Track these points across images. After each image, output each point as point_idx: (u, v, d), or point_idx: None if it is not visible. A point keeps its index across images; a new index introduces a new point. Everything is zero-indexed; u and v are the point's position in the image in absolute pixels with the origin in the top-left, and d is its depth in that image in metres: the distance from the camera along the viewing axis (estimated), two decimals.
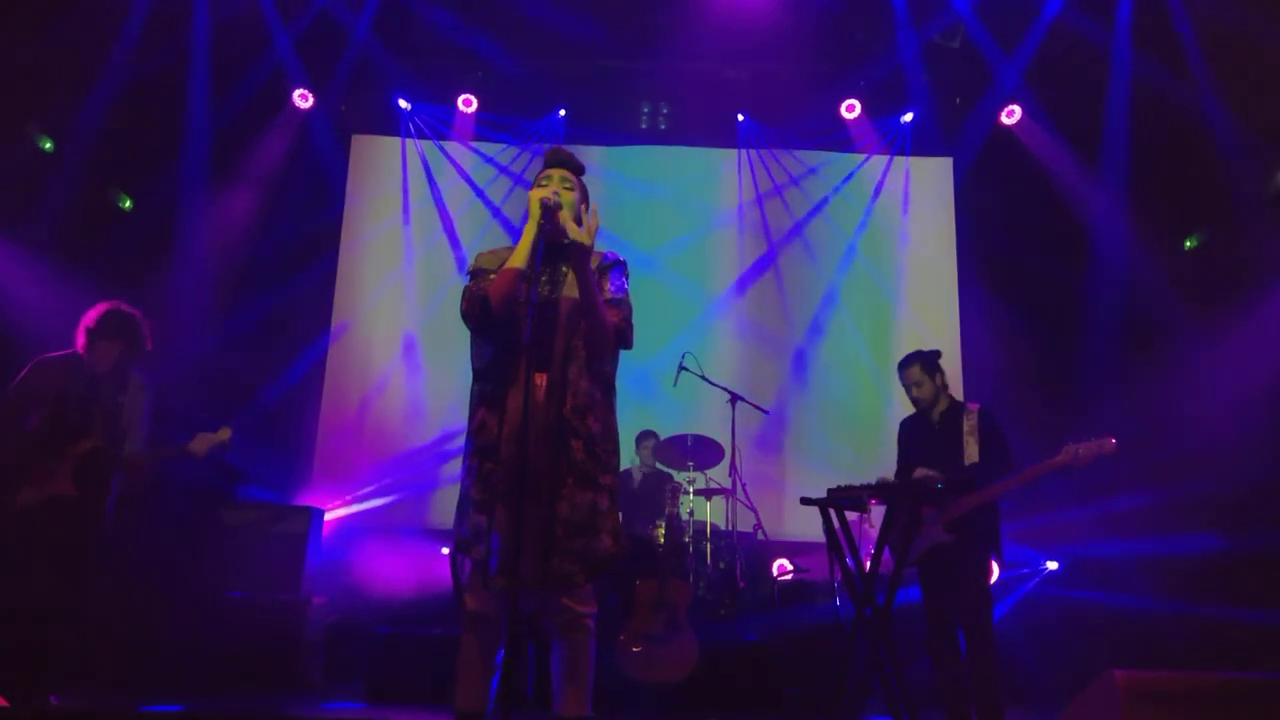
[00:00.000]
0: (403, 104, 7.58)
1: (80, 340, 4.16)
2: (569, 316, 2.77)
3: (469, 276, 2.86)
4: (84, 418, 4.07)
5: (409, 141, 7.74)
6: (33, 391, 4.07)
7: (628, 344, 2.85)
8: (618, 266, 2.95)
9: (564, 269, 2.84)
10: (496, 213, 7.67)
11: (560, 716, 2.68)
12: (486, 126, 7.69)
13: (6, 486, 3.94)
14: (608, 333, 2.77)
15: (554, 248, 2.86)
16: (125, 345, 4.19)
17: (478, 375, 2.82)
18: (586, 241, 2.72)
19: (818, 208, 7.78)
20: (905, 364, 4.46)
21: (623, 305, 2.86)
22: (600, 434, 2.74)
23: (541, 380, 2.71)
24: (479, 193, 7.74)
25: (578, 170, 3.00)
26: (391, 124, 7.69)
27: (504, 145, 7.77)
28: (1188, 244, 6.81)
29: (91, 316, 4.18)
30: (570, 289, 2.80)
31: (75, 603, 4.04)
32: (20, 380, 4.11)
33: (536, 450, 2.64)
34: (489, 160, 7.79)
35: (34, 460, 3.99)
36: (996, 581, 4.30)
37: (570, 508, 2.65)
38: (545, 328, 2.75)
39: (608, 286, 2.87)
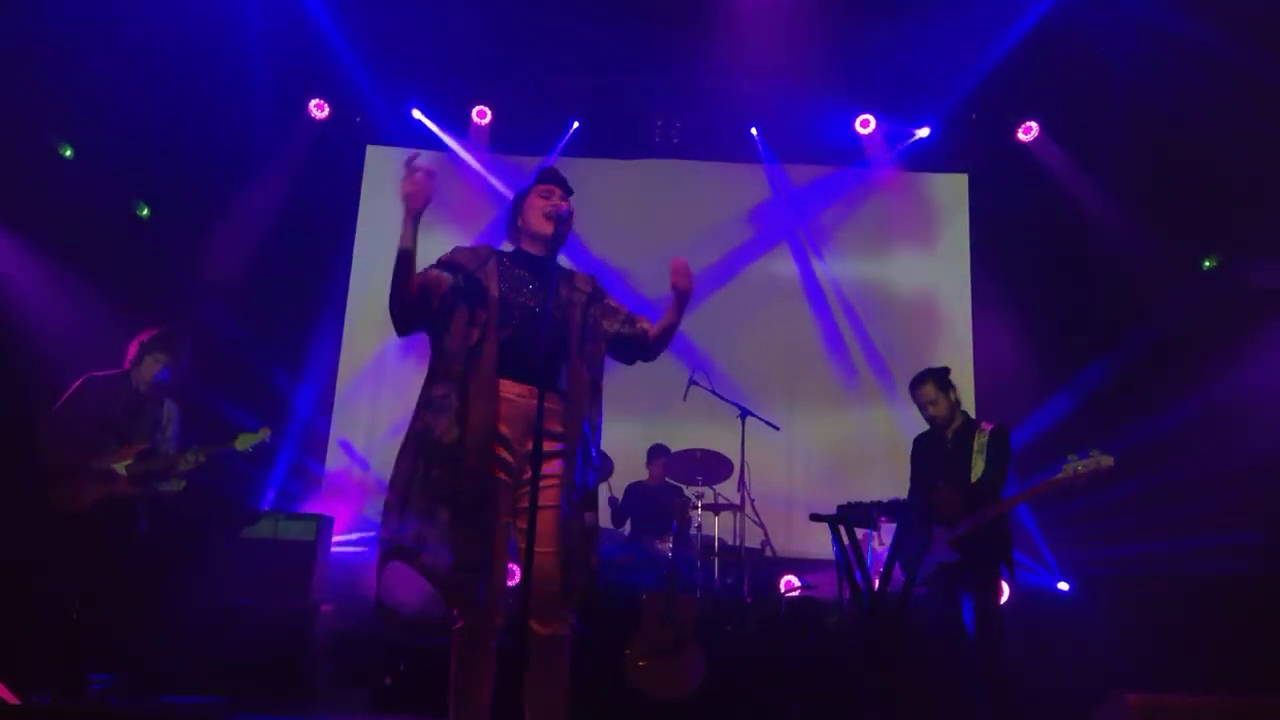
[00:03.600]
0: (417, 115, 7.62)
1: (131, 354, 4.64)
2: (577, 337, 2.82)
3: (438, 263, 2.88)
4: (132, 428, 4.53)
5: (424, 153, 7.75)
6: (86, 403, 4.51)
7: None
8: (599, 282, 3.05)
9: (570, 286, 2.91)
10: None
11: None
12: (500, 138, 7.72)
13: (73, 489, 4.35)
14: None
15: (541, 262, 2.91)
16: (169, 363, 4.67)
17: (439, 374, 2.74)
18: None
19: (831, 223, 7.76)
20: (919, 382, 4.42)
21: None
22: (595, 457, 2.84)
23: (532, 396, 2.67)
24: (493, 203, 7.76)
25: (569, 190, 3.02)
26: (406, 135, 7.71)
27: (518, 156, 7.80)
28: (1206, 264, 6.76)
29: (145, 335, 4.68)
30: (567, 306, 2.86)
31: (114, 596, 4.42)
32: (73, 394, 4.55)
33: (528, 465, 2.57)
34: (502, 171, 7.81)
35: (93, 465, 4.40)
36: (1007, 600, 4.26)
37: (580, 526, 2.73)
38: (546, 342, 2.71)
39: (615, 302, 2.99)
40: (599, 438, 2.87)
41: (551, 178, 3.00)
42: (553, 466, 2.71)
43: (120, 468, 4.42)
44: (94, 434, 4.44)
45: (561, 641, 2.67)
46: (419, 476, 2.62)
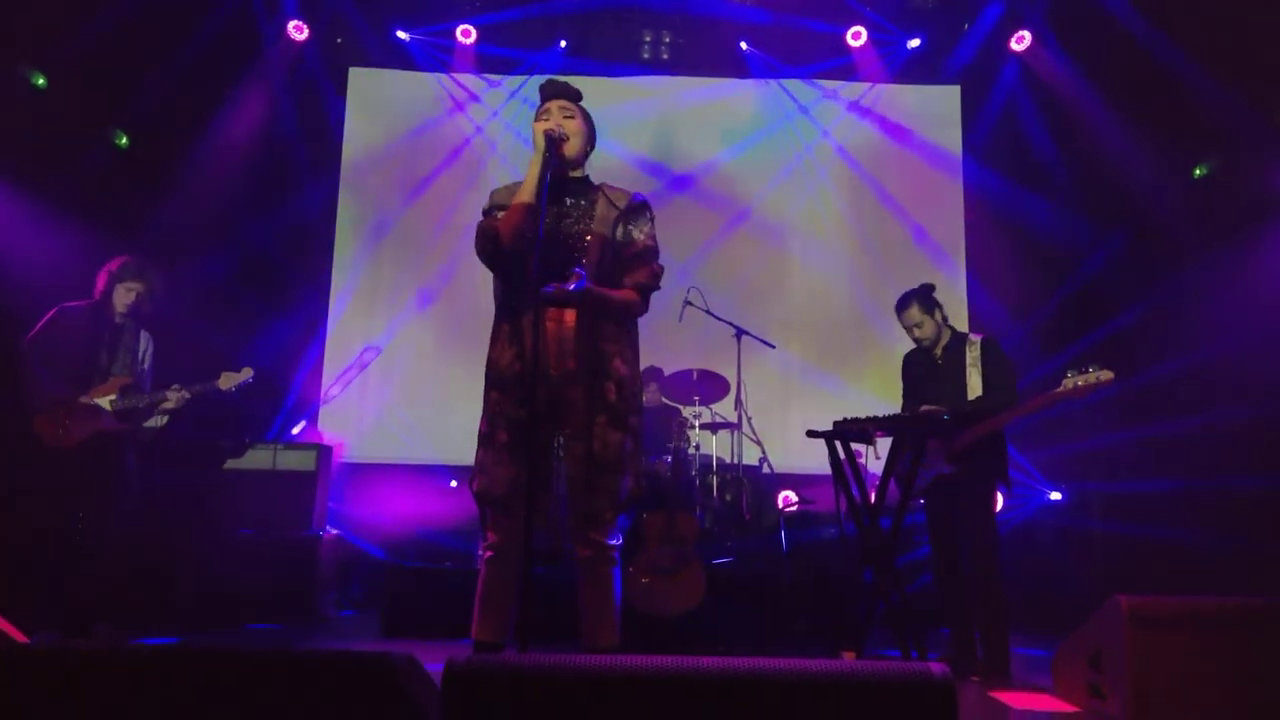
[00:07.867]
0: (401, 35, 7.41)
1: (100, 286, 4.48)
2: (596, 253, 2.77)
3: (484, 214, 2.85)
4: (112, 359, 4.44)
5: (408, 74, 7.59)
6: (61, 336, 4.36)
7: (656, 288, 2.90)
8: (645, 211, 2.92)
9: (584, 202, 2.84)
10: (497, 145, 7.55)
11: (589, 646, 2.71)
12: (486, 57, 7.51)
13: (61, 423, 4.26)
14: (638, 309, 2.85)
15: (571, 181, 2.86)
16: (143, 292, 4.52)
17: (498, 309, 2.85)
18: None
19: (822, 138, 7.64)
20: (902, 304, 4.39)
21: (653, 255, 2.88)
22: (628, 376, 2.78)
23: (570, 319, 2.71)
24: (480, 125, 7.60)
25: (574, 97, 2.95)
26: (389, 56, 7.51)
27: (504, 77, 7.62)
28: (1197, 172, 6.68)
29: (114, 264, 4.52)
30: (599, 225, 2.80)
31: (108, 535, 4.37)
32: (45, 326, 4.39)
33: (569, 388, 2.69)
34: (493, 86, 7.64)
35: (75, 399, 4.30)
36: (1002, 509, 4.34)
37: (602, 446, 2.69)
38: (569, 263, 2.73)
39: (638, 235, 2.87)
40: (630, 354, 2.84)
41: (545, 95, 2.93)
42: (575, 389, 2.72)
43: (105, 403, 4.33)
44: (78, 367, 4.33)
45: (593, 563, 2.72)
46: (487, 403, 2.78)
